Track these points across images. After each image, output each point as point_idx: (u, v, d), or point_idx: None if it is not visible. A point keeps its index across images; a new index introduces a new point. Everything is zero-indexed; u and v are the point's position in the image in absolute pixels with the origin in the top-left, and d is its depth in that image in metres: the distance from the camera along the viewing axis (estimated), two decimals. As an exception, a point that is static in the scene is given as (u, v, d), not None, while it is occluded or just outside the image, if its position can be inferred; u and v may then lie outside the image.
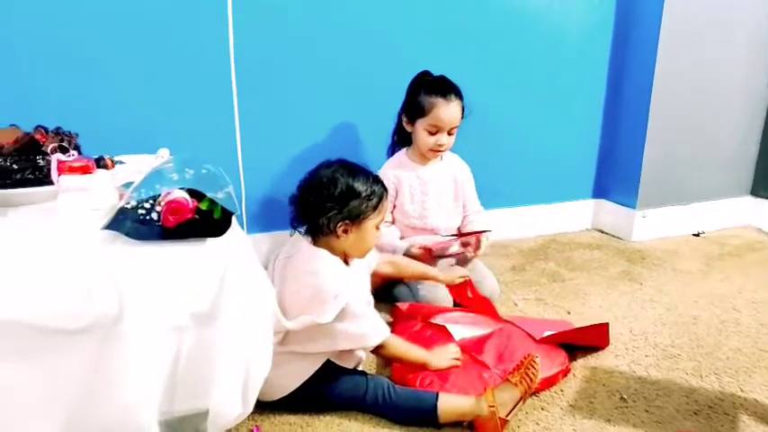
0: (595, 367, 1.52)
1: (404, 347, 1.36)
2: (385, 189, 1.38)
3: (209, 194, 0.97)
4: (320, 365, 1.27)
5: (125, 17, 1.76)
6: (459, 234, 1.96)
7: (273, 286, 1.25)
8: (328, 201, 1.29)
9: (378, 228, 1.38)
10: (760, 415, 1.33)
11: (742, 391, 1.42)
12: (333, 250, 1.33)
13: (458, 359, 1.41)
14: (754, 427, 1.29)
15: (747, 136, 2.66)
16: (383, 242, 1.90)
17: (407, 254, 1.86)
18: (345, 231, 1.32)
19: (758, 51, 2.55)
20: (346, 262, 1.37)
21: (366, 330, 1.28)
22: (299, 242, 1.35)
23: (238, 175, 1.91)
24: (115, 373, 0.83)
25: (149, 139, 1.51)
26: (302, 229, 1.36)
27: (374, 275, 1.88)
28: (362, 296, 1.35)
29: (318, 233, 1.33)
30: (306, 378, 1.25)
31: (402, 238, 1.96)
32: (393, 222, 1.98)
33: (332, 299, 1.22)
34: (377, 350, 1.30)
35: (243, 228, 1.10)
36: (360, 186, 1.31)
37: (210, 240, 0.92)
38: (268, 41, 1.94)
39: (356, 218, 1.31)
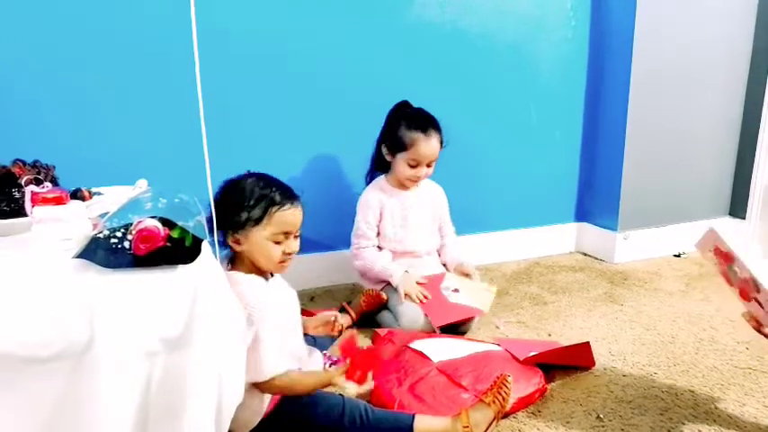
0: (573, 387, 1.53)
1: (297, 379, 1.27)
2: (274, 203, 1.28)
3: (180, 223, 1.00)
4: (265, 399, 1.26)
5: (102, 55, 1.81)
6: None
7: None
8: (218, 214, 1.22)
9: (277, 242, 1.29)
10: (732, 431, 1.35)
11: (716, 407, 1.44)
12: (243, 263, 1.31)
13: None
14: (728, 443, 1.31)
15: (723, 157, 2.72)
16: (377, 270, 1.93)
17: (404, 280, 1.89)
18: (237, 242, 1.29)
19: (731, 74, 2.62)
20: (265, 276, 1.35)
21: (263, 357, 1.20)
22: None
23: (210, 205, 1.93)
24: (87, 401, 0.84)
25: (129, 170, 1.54)
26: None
27: (358, 305, 1.91)
28: (270, 323, 1.26)
29: (227, 248, 1.31)
30: (262, 413, 1.25)
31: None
32: (380, 249, 2.00)
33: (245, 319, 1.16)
34: (264, 385, 1.23)
35: (216, 257, 1.12)
36: (237, 198, 1.27)
37: (181, 267, 0.94)
38: (236, 72, 1.98)
39: (240, 228, 1.27)
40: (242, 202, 1.26)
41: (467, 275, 1.99)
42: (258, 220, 1.27)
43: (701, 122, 2.61)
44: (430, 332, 1.79)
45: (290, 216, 1.30)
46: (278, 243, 1.29)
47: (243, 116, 2.02)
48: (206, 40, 1.87)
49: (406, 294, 1.87)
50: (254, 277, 1.31)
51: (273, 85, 2.04)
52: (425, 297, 1.87)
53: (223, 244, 1.31)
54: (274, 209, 1.27)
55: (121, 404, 0.87)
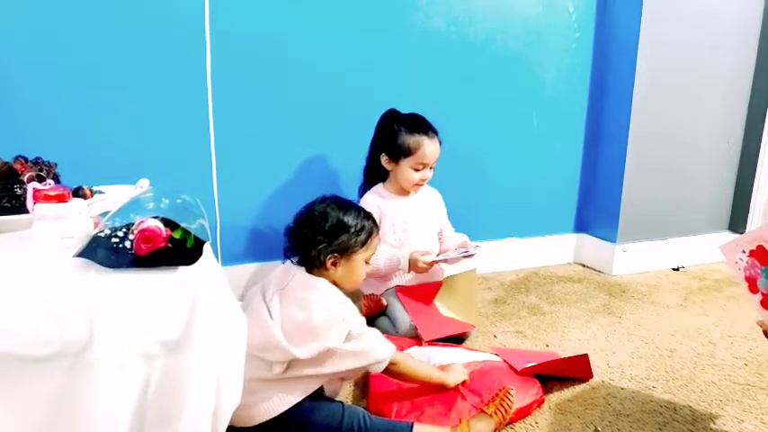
0: (571, 399, 1.53)
1: (417, 364, 1.41)
2: (375, 225, 1.42)
3: (183, 224, 0.99)
4: (312, 391, 1.26)
5: (109, 53, 1.81)
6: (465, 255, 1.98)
7: (264, 318, 1.26)
8: (319, 234, 1.32)
9: (367, 262, 1.41)
10: (732, 447, 1.34)
11: (714, 423, 1.43)
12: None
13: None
14: (726, 459, 1.31)
15: (724, 173, 2.73)
16: (383, 263, 1.90)
17: (412, 263, 1.89)
18: (334, 264, 1.34)
19: (734, 89, 2.63)
20: None
21: (373, 346, 1.29)
22: (291, 272, 1.34)
23: (214, 208, 1.94)
24: (84, 401, 0.83)
25: (131, 170, 1.54)
26: (295, 260, 1.38)
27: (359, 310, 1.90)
28: (361, 319, 1.34)
29: (311, 265, 1.35)
30: (294, 402, 1.24)
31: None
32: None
33: (339, 322, 1.24)
34: (389, 368, 1.31)
35: (217, 259, 1.12)
36: (350, 221, 1.35)
37: (182, 269, 0.93)
38: (244, 78, 1.99)
39: (344, 251, 1.34)
40: (350, 228, 1.35)
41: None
42: (363, 244, 1.37)
43: (702, 136, 2.61)
44: (428, 340, 1.78)
45: (378, 241, 1.44)
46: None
47: (246, 121, 2.01)
48: (212, 42, 1.90)
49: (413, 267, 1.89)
50: (335, 287, 1.35)
51: (278, 91, 2.04)
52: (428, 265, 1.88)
53: (307, 263, 1.35)
54: (374, 234, 1.40)
55: (118, 405, 0.86)
